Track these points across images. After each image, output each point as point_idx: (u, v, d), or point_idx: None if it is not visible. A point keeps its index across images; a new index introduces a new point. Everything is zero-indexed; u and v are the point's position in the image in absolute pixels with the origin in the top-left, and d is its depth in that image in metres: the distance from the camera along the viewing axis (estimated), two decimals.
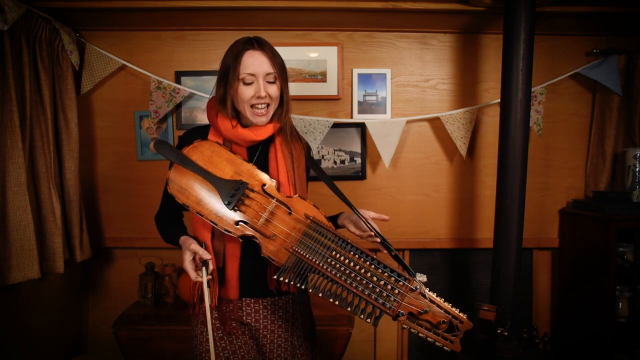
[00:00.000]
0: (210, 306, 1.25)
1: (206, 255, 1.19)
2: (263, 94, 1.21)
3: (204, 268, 1.19)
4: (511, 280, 1.87)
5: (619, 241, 2.04)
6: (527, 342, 2.25)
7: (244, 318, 1.31)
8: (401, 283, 1.11)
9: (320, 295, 1.11)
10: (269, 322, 1.32)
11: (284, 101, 1.29)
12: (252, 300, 1.31)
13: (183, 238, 1.27)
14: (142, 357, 1.99)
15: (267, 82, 1.22)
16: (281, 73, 1.24)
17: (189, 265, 1.20)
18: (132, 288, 2.30)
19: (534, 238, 2.38)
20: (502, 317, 1.84)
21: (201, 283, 1.24)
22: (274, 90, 1.23)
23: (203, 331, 1.31)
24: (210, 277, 1.21)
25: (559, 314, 2.40)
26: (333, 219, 1.36)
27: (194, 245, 1.20)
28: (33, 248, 1.78)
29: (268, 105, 1.24)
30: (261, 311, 1.32)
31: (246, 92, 1.22)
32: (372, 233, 1.24)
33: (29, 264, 1.77)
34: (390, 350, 2.42)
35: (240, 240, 1.21)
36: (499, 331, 1.79)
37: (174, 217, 1.39)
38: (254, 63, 1.21)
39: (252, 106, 1.23)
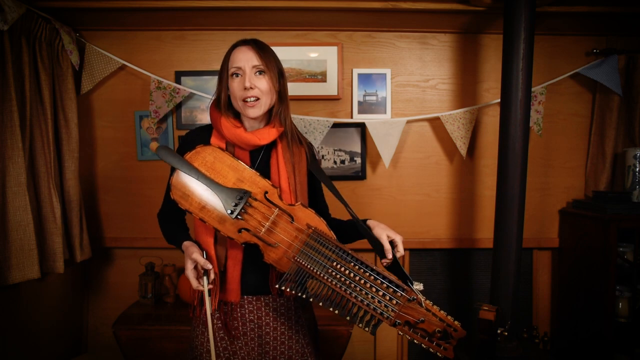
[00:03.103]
0: (212, 312, 1.26)
1: (207, 266, 1.20)
2: (248, 84, 1.22)
3: (205, 277, 1.21)
4: (511, 280, 1.87)
5: (619, 241, 2.04)
6: (527, 342, 2.24)
7: (247, 315, 1.31)
8: (399, 293, 1.13)
9: (320, 304, 1.14)
10: (271, 319, 1.32)
11: (282, 98, 1.30)
12: (254, 298, 1.32)
13: (186, 244, 1.27)
14: (142, 357, 1.99)
15: (255, 74, 1.24)
16: (270, 67, 1.25)
17: (190, 274, 1.22)
18: (132, 288, 2.30)
19: (534, 238, 2.38)
20: (502, 317, 1.84)
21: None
22: (262, 82, 1.24)
23: (204, 331, 1.32)
24: (211, 285, 1.22)
25: (559, 314, 2.40)
26: (355, 229, 1.32)
27: (196, 255, 1.21)
28: (33, 248, 1.78)
29: (259, 98, 1.25)
30: (263, 308, 1.32)
31: (235, 86, 1.25)
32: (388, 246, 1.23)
33: (29, 264, 1.77)
34: (390, 350, 2.42)
35: (242, 246, 1.22)
36: (499, 331, 1.79)
37: (176, 217, 1.39)
38: (241, 57, 1.24)
39: (243, 100, 1.24)
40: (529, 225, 2.28)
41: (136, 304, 2.22)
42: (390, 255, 1.21)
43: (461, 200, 2.39)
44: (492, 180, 2.20)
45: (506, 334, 1.79)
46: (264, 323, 1.32)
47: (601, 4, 1.96)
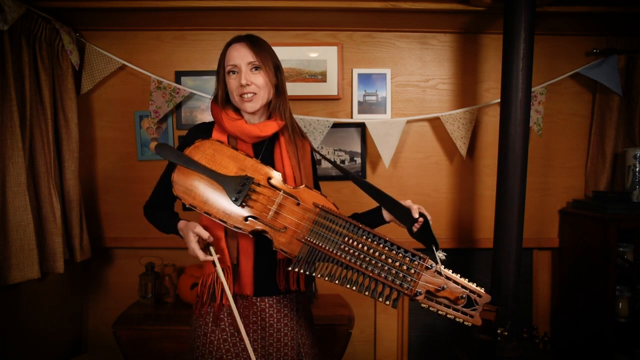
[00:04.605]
0: (222, 303, 1.27)
1: (211, 238, 1.20)
2: (244, 81, 1.24)
3: (211, 247, 1.21)
4: (511, 280, 1.87)
5: (619, 241, 2.03)
6: (527, 342, 2.24)
7: (251, 317, 1.32)
8: (416, 262, 1.10)
9: (337, 282, 1.10)
10: (275, 320, 1.33)
11: (280, 91, 1.31)
12: (258, 299, 1.32)
13: (182, 223, 1.27)
14: (142, 357, 1.99)
15: (250, 71, 1.26)
16: (265, 62, 1.27)
17: (195, 246, 1.20)
18: (132, 288, 2.30)
19: (534, 238, 2.38)
20: (502, 317, 1.84)
21: (210, 283, 1.28)
22: (258, 78, 1.26)
23: (206, 332, 1.31)
24: (219, 255, 1.22)
25: (559, 314, 2.40)
26: (375, 213, 1.35)
27: (198, 228, 1.20)
28: (33, 248, 1.78)
29: (255, 93, 1.26)
30: (267, 310, 1.32)
31: (232, 83, 1.27)
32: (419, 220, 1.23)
33: (29, 264, 1.77)
34: (390, 350, 2.42)
35: (252, 237, 1.22)
36: (499, 331, 1.79)
37: (166, 207, 1.40)
38: (236, 55, 1.26)
39: (240, 96, 1.26)
40: (529, 225, 2.28)
41: (136, 304, 2.22)
42: (416, 214, 1.20)
43: (461, 200, 2.38)
44: (492, 180, 2.19)
45: (506, 334, 1.79)
46: (267, 324, 1.32)
47: (601, 4, 1.96)
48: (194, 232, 1.20)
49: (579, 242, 2.23)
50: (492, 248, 1.96)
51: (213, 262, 1.21)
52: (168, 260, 2.31)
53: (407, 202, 1.25)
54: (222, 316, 1.30)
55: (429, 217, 1.22)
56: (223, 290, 1.26)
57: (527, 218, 2.01)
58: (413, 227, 1.21)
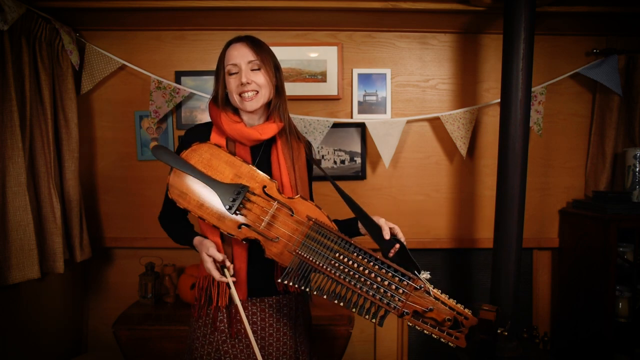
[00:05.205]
0: (220, 306, 1.27)
1: (226, 262, 1.21)
2: (244, 80, 1.24)
3: (226, 271, 1.21)
4: (511, 280, 1.87)
5: (619, 241, 2.03)
6: (527, 342, 2.24)
7: (250, 317, 1.31)
8: (405, 282, 1.11)
9: (325, 297, 1.11)
10: (275, 320, 1.33)
11: (279, 92, 1.31)
12: (258, 300, 1.32)
13: (197, 241, 1.27)
14: (142, 357, 1.99)
15: (251, 70, 1.25)
16: (266, 62, 1.27)
17: (211, 266, 1.21)
18: (132, 288, 2.30)
19: (534, 238, 2.38)
20: (502, 317, 1.83)
21: (207, 285, 1.28)
22: (258, 77, 1.26)
23: (206, 333, 1.31)
24: (234, 279, 1.22)
25: (559, 314, 2.40)
26: (352, 224, 1.35)
27: (212, 250, 1.21)
28: (33, 248, 1.78)
29: (257, 92, 1.26)
30: (267, 310, 1.32)
31: (232, 83, 1.26)
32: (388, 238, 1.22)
33: (29, 264, 1.77)
34: (390, 350, 2.42)
35: (245, 243, 1.22)
36: (499, 331, 1.79)
37: (179, 217, 1.39)
38: (236, 54, 1.26)
39: (240, 95, 1.26)
40: (529, 225, 2.28)
41: (136, 304, 2.22)
42: (387, 236, 1.20)
43: (461, 200, 2.38)
44: (492, 180, 2.20)
45: (506, 334, 1.78)
46: (267, 325, 1.32)
47: (601, 4, 1.96)
48: (208, 255, 1.21)
49: (579, 242, 2.23)
50: (492, 248, 1.96)
51: (227, 283, 1.22)
52: (168, 260, 2.31)
53: (381, 221, 1.23)
54: (220, 317, 1.31)
55: (403, 241, 1.21)
56: (219, 293, 1.27)
57: (527, 218, 2.01)
58: (389, 253, 1.20)
